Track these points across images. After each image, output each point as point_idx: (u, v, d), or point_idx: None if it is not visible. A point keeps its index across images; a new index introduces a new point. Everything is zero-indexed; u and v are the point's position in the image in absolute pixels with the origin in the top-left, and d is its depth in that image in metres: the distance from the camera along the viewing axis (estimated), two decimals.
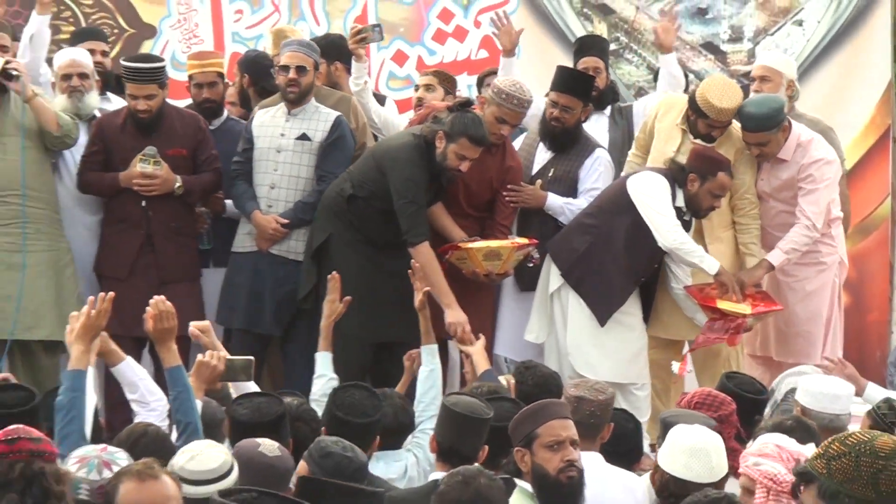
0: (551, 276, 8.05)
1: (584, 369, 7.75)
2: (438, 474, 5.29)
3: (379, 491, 4.55)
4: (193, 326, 6.16)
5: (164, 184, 8.07)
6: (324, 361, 6.99)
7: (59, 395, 5.26)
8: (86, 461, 4.57)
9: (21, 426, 4.41)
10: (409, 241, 7.68)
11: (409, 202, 7.68)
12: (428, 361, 6.91)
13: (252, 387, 6.16)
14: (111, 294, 5.47)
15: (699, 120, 8.13)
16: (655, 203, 7.83)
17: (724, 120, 8.11)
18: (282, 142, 8.14)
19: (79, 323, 5.39)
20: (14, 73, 7.87)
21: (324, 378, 6.90)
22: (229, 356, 6.11)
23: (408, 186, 7.70)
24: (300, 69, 8.12)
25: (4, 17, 9.30)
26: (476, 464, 5.18)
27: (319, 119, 8.18)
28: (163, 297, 5.66)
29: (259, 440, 4.89)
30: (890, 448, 3.12)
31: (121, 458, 4.62)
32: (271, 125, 8.20)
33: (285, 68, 8.15)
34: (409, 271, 7.33)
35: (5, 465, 4.23)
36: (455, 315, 7.56)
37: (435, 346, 7.02)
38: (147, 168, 8.06)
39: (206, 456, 4.63)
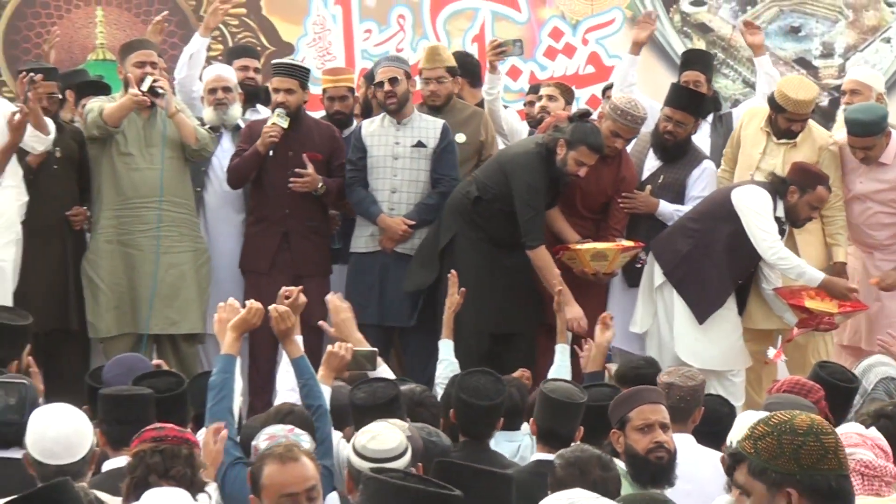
0: (655, 274, 8.28)
1: (689, 357, 7.95)
2: (539, 455, 5.63)
3: (508, 473, 4.54)
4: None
5: (311, 182, 8.40)
6: (446, 348, 7.34)
7: (213, 376, 5.53)
8: (275, 439, 4.83)
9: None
10: (527, 244, 8.05)
11: (528, 207, 8.03)
12: (558, 358, 7.34)
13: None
14: (284, 292, 6.02)
15: (778, 116, 8.31)
16: (757, 218, 7.98)
17: (801, 112, 8.28)
18: (397, 149, 8.43)
19: (238, 317, 5.68)
20: (160, 90, 8.19)
21: (445, 362, 7.27)
22: (356, 348, 6.38)
23: (529, 192, 8.03)
24: (392, 80, 8.41)
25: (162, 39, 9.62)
26: (579, 443, 5.29)
27: (428, 127, 8.46)
28: (277, 304, 5.87)
29: (391, 420, 5.03)
30: (807, 425, 3.27)
31: (305, 439, 4.89)
32: (382, 134, 8.47)
33: (380, 84, 8.46)
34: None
35: (153, 451, 4.63)
36: (573, 311, 7.91)
37: (567, 347, 7.43)
38: (273, 118, 8.29)
39: (384, 436, 4.74)
